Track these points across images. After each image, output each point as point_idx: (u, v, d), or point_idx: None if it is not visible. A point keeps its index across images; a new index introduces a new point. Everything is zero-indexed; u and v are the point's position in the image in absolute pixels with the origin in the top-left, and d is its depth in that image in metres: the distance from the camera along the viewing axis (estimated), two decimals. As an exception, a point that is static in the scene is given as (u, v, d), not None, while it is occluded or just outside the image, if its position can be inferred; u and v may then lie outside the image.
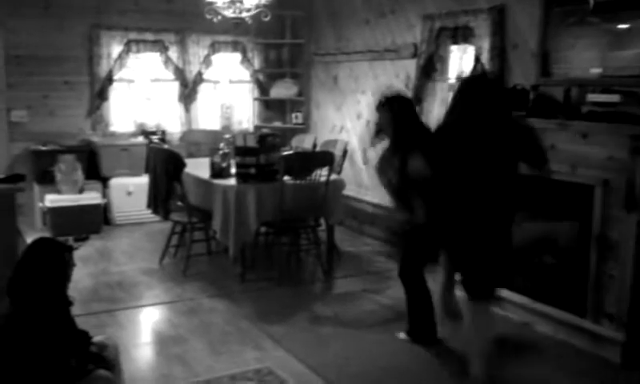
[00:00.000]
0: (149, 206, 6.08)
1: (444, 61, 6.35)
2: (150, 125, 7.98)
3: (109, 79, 7.66)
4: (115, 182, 7.43)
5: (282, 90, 8.75)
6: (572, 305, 4.44)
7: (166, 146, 6.51)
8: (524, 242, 4.94)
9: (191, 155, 7.33)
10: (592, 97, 4.40)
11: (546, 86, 4.96)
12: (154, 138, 7.64)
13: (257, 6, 6.19)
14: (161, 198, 5.81)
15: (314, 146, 6.89)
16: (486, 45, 5.65)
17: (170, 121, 8.18)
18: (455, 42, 6.17)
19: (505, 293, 4.86)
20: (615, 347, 4.09)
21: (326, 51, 8.16)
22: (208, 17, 6.21)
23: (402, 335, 4.37)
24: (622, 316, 4.09)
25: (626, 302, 4.06)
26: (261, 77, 8.80)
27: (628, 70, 4.49)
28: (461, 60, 6.29)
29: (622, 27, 4.65)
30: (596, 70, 4.75)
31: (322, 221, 5.98)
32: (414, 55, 6.61)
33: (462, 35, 5.99)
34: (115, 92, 7.81)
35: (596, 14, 4.62)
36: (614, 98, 4.25)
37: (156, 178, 5.88)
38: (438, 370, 4.01)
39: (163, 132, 7.96)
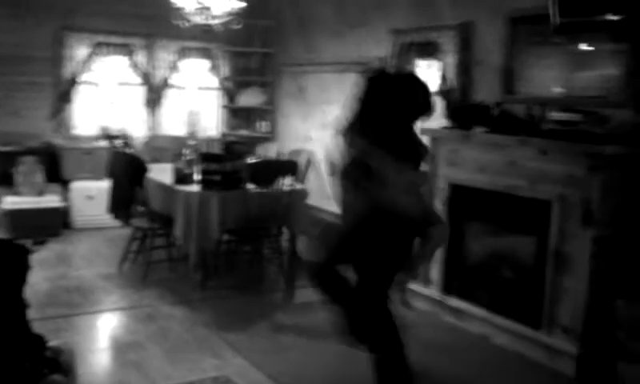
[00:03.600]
0: (110, 210, 6.01)
1: (410, 75, 6.40)
2: (115, 129, 7.89)
3: (73, 81, 7.57)
4: (76, 186, 7.33)
5: (250, 98, 8.75)
6: (528, 318, 4.50)
7: (128, 151, 6.43)
8: (483, 256, 5.02)
9: (155, 160, 7.26)
10: (553, 115, 4.49)
11: (510, 103, 5.05)
12: (118, 143, 7.56)
13: (227, 14, 6.19)
14: (122, 203, 5.75)
15: (278, 154, 6.90)
16: (451, 61, 5.73)
17: (135, 125, 8.10)
18: (422, 57, 6.24)
19: (463, 305, 4.92)
20: (569, 360, 4.15)
21: (294, 61, 8.18)
22: (176, 22, 6.18)
23: None
24: (576, 329, 4.17)
25: (580, 316, 4.14)
26: (229, 84, 8.78)
27: (589, 91, 4.59)
28: (427, 75, 6.36)
29: (584, 49, 4.76)
30: (558, 89, 4.85)
31: (285, 230, 5.98)
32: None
33: (429, 51, 6.07)
34: (80, 95, 7.73)
35: (559, 34, 4.71)
36: (575, 116, 4.34)
37: (117, 183, 5.81)
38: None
39: (127, 136, 7.87)
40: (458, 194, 5.08)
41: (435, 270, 5.25)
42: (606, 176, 4.05)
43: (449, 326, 4.87)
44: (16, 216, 6.66)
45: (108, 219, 6.39)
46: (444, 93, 5.79)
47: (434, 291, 5.20)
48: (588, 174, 4.06)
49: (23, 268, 2.94)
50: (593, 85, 4.61)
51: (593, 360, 4.14)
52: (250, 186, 5.44)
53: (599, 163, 4.02)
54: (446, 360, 4.32)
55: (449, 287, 5.15)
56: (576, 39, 4.72)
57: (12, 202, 6.73)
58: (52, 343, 3.09)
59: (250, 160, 5.91)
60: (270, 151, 7.46)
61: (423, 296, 5.25)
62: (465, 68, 5.65)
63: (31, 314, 2.97)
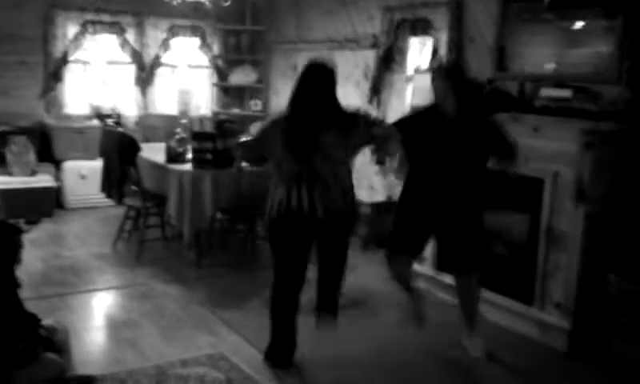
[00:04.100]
0: (102, 189, 5.99)
1: (403, 52, 6.40)
2: (106, 108, 7.85)
3: (64, 60, 7.51)
4: (69, 165, 7.30)
5: (242, 76, 8.71)
6: (521, 294, 4.54)
7: (120, 130, 6.40)
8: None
9: (147, 140, 7.23)
10: (545, 91, 4.49)
11: (502, 80, 5.05)
12: (110, 122, 7.52)
13: (217, -9, 6.15)
14: (115, 182, 5.74)
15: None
16: (444, 37, 5.72)
17: (126, 104, 8.06)
18: (414, 34, 6.23)
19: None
20: (562, 335, 4.20)
21: (286, 39, 8.14)
22: (166, 0, 6.13)
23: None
24: (568, 305, 4.20)
25: (573, 292, 4.17)
26: (220, 62, 8.73)
27: (582, 67, 4.59)
28: (420, 52, 6.35)
29: (576, 25, 4.75)
30: (550, 66, 4.85)
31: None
32: (374, 46, 6.64)
33: (421, 27, 6.05)
34: (70, 73, 7.67)
35: (551, 11, 4.71)
36: (566, 93, 4.34)
37: (110, 162, 5.80)
38: (389, 359, 4.07)
39: (119, 115, 7.83)
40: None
41: (428, 248, 5.26)
42: (600, 152, 4.07)
43: (442, 302, 4.90)
44: (8, 196, 6.61)
45: (101, 198, 6.39)
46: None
47: (427, 268, 5.22)
48: (581, 151, 4.07)
49: (15, 247, 2.94)
50: (585, 61, 4.61)
51: (585, 335, 4.18)
52: (243, 164, 5.43)
53: (593, 140, 4.03)
54: (439, 336, 4.36)
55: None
56: (568, 16, 4.71)
57: (4, 182, 6.68)
58: (46, 322, 3.10)
59: (243, 138, 5.89)
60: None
61: (417, 273, 5.27)
62: (457, 45, 5.63)
63: (25, 293, 2.98)
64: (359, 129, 3.69)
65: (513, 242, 4.74)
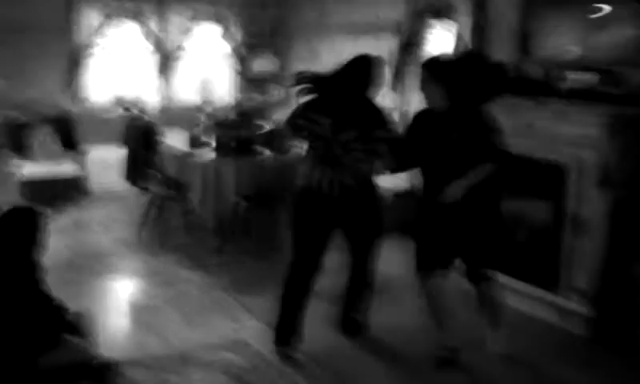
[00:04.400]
0: (126, 177, 6.04)
1: (426, 38, 6.34)
2: (129, 96, 7.90)
3: (87, 49, 7.57)
4: (93, 153, 7.36)
5: (264, 63, 8.70)
6: (544, 280, 4.50)
7: (143, 118, 6.44)
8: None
9: (170, 127, 7.27)
10: (569, 76, 4.42)
11: (526, 64, 4.98)
12: (133, 110, 7.56)
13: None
14: (138, 170, 5.78)
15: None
16: (466, 22, 5.65)
17: (149, 93, 8.11)
18: (437, 20, 6.17)
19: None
20: (585, 322, 4.16)
21: (307, 26, 8.11)
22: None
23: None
24: (592, 292, 4.16)
25: (597, 279, 4.13)
26: (242, 50, 8.73)
27: (607, 51, 4.51)
28: (443, 37, 6.29)
29: (601, 7, 4.67)
30: (575, 50, 4.77)
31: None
32: (397, 32, 6.59)
33: (444, 13, 5.99)
34: (93, 63, 7.73)
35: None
36: (591, 77, 4.28)
37: (133, 150, 5.84)
38: (411, 348, 4.05)
39: (142, 104, 7.87)
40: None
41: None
42: (625, 137, 4.01)
43: (462, 288, 4.87)
44: (34, 185, 6.71)
45: (124, 186, 6.44)
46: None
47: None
48: (606, 136, 4.01)
49: (34, 229, 2.96)
50: (611, 45, 4.52)
51: (610, 323, 4.14)
52: (266, 152, 5.44)
53: (618, 124, 3.98)
54: (461, 323, 4.33)
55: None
56: (593, -1, 4.64)
57: (29, 170, 6.77)
58: (70, 307, 3.13)
59: (266, 126, 5.90)
60: (284, 117, 7.41)
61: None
62: (480, 29, 5.55)
63: (50, 279, 3.01)
64: (381, 129, 3.79)
65: (536, 229, 4.69)
